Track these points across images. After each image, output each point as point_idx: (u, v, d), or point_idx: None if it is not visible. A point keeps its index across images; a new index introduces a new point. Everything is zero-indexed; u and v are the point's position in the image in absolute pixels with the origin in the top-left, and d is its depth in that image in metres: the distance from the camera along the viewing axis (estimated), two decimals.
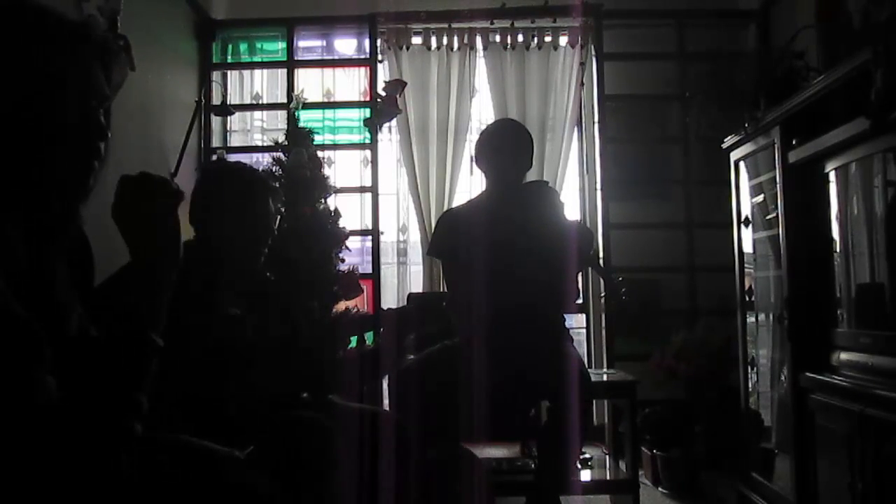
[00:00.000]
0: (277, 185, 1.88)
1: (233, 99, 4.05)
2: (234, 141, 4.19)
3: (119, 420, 0.89)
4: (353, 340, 2.13)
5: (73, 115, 0.96)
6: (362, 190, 3.97)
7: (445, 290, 2.97)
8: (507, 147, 2.49)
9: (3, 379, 0.81)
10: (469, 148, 3.87)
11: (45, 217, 0.98)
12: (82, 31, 1.00)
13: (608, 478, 2.99)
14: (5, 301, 0.83)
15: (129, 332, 0.94)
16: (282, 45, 4.10)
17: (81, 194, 1.00)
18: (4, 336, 0.82)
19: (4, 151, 0.92)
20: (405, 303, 3.52)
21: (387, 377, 2.42)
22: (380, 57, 3.98)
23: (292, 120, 3.68)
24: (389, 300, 3.91)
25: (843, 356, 2.20)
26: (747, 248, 2.94)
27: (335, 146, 4.05)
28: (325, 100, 4.11)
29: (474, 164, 2.63)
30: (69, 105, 0.96)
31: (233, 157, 3.91)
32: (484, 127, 2.88)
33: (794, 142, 2.43)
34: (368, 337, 2.20)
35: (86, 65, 0.98)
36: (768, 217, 2.71)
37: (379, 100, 3.79)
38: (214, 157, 3.96)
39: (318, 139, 3.73)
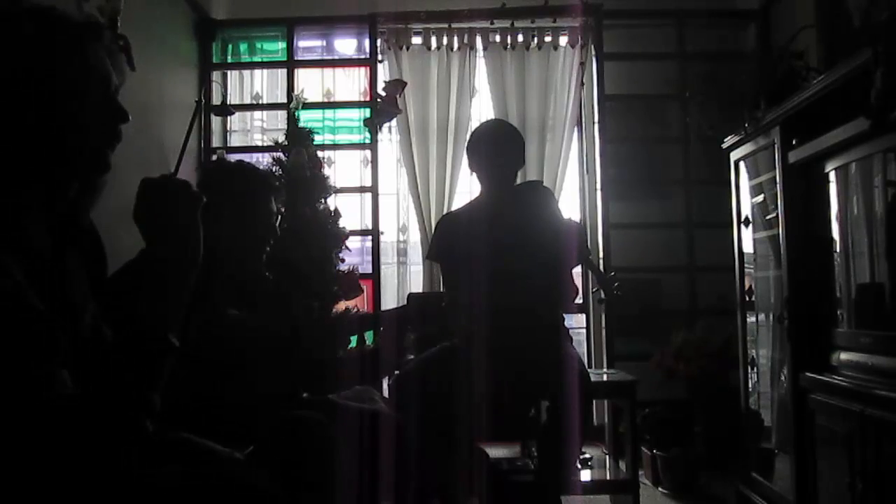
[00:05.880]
0: (278, 184, 1.87)
1: (233, 99, 4.05)
2: (234, 141, 4.20)
3: (132, 417, 0.91)
4: (353, 340, 2.13)
5: (96, 100, 1.00)
6: (362, 190, 3.97)
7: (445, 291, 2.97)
8: (496, 147, 2.48)
9: (19, 372, 0.83)
10: None
11: (62, 204, 1.00)
12: (95, 27, 1.04)
13: (608, 478, 2.99)
14: (23, 295, 0.84)
15: (147, 333, 0.95)
16: (282, 45, 4.11)
17: (100, 177, 1.04)
18: (21, 330, 0.83)
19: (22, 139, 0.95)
20: (405, 303, 3.52)
21: (386, 378, 2.41)
22: (380, 57, 3.99)
23: (292, 120, 3.68)
24: (389, 300, 3.91)
25: (843, 356, 2.20)
26: (747, 248, 2.94)
27: (335, 146, 4.06)
28: (325, 100, 4.12)
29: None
30: (91, 92, 0.99)
31: (233, 157, 3.91)
32: None
33: (794, 142, 2.43)
34: (368, 337, 2.19)
35: (101, 56, 1.02)
36: (768, 217, 2.71)
37: (379, 100, 3.79)
38: (214, 157, 3.96)
39: (318, 139, 3.74)
